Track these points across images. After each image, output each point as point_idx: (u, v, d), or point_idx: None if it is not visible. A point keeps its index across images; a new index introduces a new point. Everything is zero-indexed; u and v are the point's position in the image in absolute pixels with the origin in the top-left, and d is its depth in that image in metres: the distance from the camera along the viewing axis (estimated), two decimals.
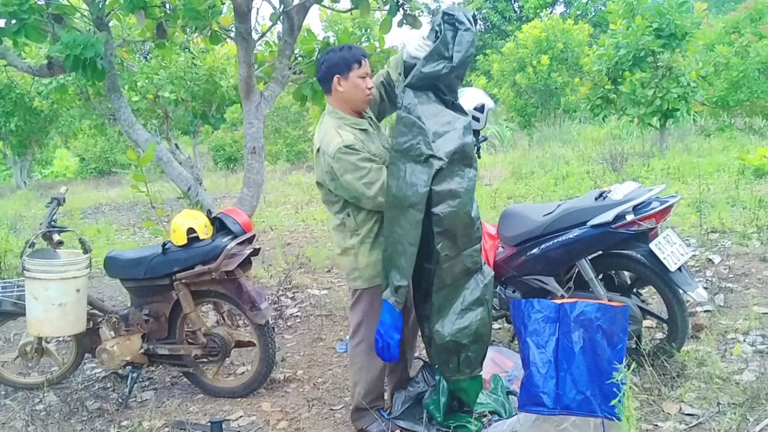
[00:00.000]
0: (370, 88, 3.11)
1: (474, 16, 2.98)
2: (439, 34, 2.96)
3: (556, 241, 3.69)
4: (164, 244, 3.88)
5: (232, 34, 5.61)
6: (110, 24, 5.74)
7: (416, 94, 2.91)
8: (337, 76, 3.07)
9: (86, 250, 4.08)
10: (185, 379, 4.18)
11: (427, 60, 2.91)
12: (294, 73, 5.94)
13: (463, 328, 2.98)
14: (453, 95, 3.04)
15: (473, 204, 2.94)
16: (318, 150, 3.11)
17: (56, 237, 4.06)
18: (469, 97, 4.23)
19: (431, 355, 3.18)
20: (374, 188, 2.98)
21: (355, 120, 3.13)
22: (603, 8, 26.11)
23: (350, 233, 3.16)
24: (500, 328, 4.58)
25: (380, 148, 3.16)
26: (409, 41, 3.07)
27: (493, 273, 3.14)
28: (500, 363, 3.60)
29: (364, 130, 3.13)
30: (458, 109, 3.02)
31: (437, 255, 2.92)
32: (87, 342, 4.16)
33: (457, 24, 2.91)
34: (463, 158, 2.90)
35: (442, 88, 2.99)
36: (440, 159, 2.82)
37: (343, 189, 3.05)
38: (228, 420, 3.65)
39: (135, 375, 4.05)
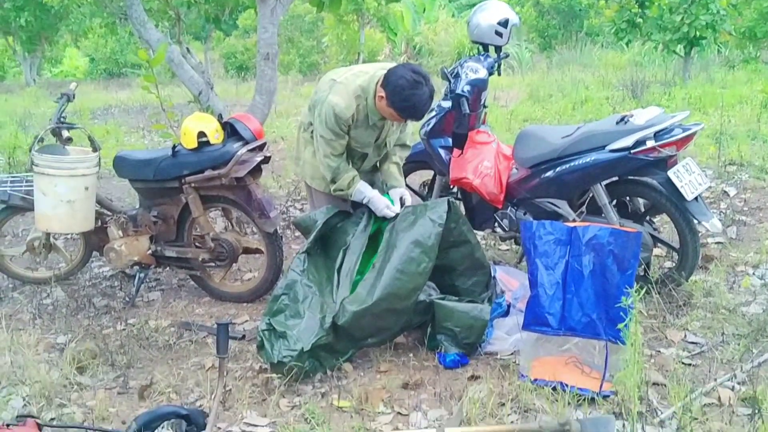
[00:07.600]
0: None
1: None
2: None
3: (573, 164, 3.62)
4: (174, 147, 3.82)
5: None
6: None
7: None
8: (386, 95, 3.19)
9: (95, 149, 4.03)
10: (192, 282, 4.21)
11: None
12: None
13: None
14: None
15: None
16: (329, 84, 3.37)
17: (65, 133, 4.00)
18: (493, 10, 4.08)
19: None
20: (326, 160, 3.38)
21: (373, 109, 3.32)
22: None
23: None
24: (508, 249, 4.57)
25: (370, 137, 3.45)
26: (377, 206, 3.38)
27: None
28: (506, 283, 3.59)
29: (368, 122, 3.36)
30: None
31: None
32: (95, 240, 4.16)
33: None
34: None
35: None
36: None
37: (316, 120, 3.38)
38: (234, 323, 3.69)
39: (142, 275, 4.09)
